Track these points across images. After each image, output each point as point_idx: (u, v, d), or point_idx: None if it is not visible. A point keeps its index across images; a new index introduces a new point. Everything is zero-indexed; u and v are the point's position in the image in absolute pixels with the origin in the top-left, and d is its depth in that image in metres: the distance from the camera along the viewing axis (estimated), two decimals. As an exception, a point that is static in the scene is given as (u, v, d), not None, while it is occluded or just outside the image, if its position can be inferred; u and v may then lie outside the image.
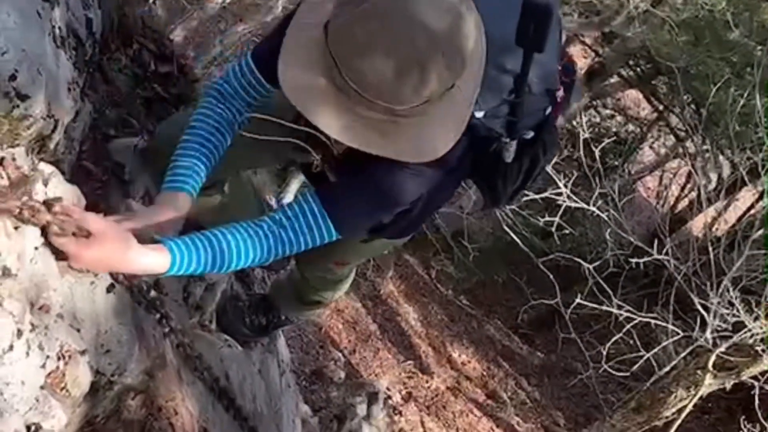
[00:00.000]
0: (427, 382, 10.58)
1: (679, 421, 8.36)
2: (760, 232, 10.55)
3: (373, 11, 1.69)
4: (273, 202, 5.51)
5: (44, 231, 1.72)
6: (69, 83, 2.23)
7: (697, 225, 13.17)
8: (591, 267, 8.71)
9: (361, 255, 3.12)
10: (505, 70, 2.00)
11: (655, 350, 8.87)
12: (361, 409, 7.61)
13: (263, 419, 3.44)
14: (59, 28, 2.10)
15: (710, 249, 8.59)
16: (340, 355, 8.80)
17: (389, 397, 9.18)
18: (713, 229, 12.58)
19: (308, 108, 1.78)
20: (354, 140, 1.79)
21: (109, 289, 2.04)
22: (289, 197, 8.35)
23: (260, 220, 2.01)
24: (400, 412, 9.32)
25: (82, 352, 1.87)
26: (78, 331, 1.90)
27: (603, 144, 10.33)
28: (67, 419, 1.85)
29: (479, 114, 1.98)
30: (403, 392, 9.98)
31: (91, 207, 1.93)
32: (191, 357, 2.58)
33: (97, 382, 1.98)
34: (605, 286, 8.61)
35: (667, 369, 9.21)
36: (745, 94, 8.77)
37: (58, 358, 1.77)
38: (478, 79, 1.87)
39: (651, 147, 16.21)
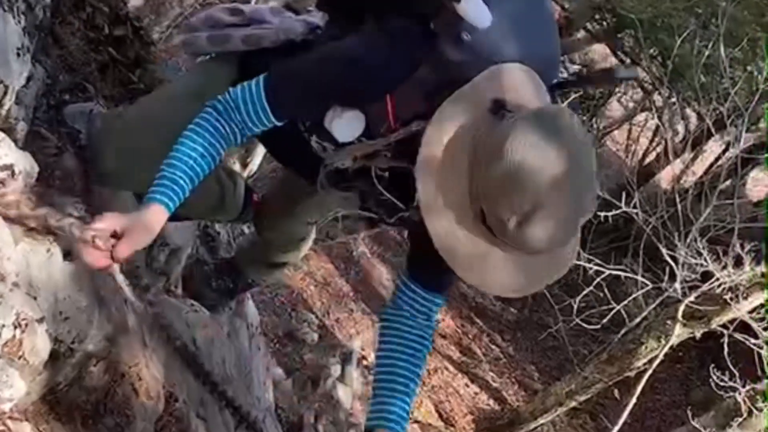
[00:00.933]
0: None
1: (650, 371, 8.46)
2: (728, 182, 10.65)
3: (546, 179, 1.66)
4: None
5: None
6: (18, 48, 2.19)
7: (665, 177, 13.28)
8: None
9: (320, 211, 3.12)
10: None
11: (625, 302, 8.95)
12: (335, 370, 7.65)
13: (233, 383, 3.43)
14: (6, -8, 2.06)
15: (678, 200, 8.67)
16: (312, 317, 8.80)
17: (364, 357, 9.21)
18: (681, 180, 12.68)
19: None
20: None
21: (66, 256, 2.02)
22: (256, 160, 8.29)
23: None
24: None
25: (40, 320, 1.86)
26: (35, 299, 1.88)
27: (570, 99, 10.33)
28: (26, 388, 1.83)
29: None
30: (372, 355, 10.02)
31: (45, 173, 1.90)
32: (160, 324, 2.58)
33: (57, 350, 1.96)
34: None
35: (637, 320, 9.31)
36: (710, 46, 8.80)
37: (15, 327, 1.75)
38: None
39: (619, 101, 16.22)
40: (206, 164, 1.98)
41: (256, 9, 2.53)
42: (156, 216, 1.87)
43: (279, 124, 2.04)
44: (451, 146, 1.77)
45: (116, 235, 1.80)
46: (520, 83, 1.85)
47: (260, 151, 8.33)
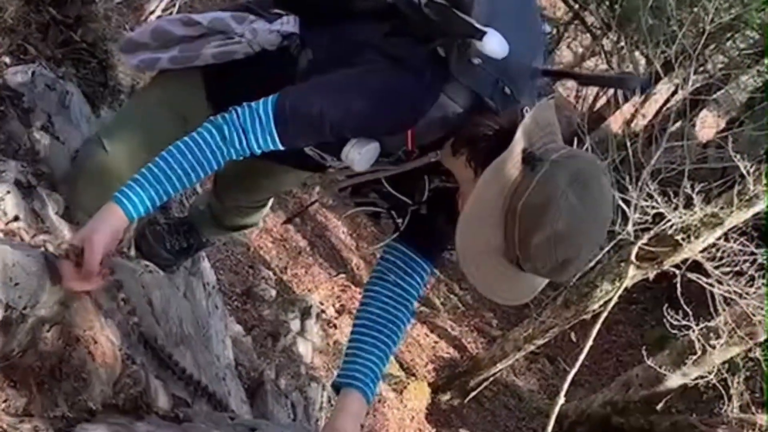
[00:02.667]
0: (360, 294, 10.64)
1: (605, 314, 8.59)
2: (678, 124, 10.75)
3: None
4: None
5: None
6: (-48, 11, 2.14)
7: (615, 122, 13.38)
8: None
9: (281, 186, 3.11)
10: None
11: (580, 247, 9.05)
12: (295, 325, 7.67)
13: (191, 342, 3.42)
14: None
15: (629, 144, 8.74)
16: (270, 273, 8.78)
17: (323, 311, 9.24)
18: (631, 124, 12.79)
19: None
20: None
21: (14, 221, 1.99)
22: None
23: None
24: (335, 325, 9.40)
25: (-11, 287, 1.83)
26: (-18, 266, 1.85)
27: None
28: (-21, 356, 1.81)
29: None
30: (337, 305, 10.04)
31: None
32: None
33: (9, 316, 1.93)
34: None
35: (591, 264, 9.44)
36: (657, -12, 8.84)
37: (-36, 295, 1.73)
38: None
39: (568, 47, 16.27)
40: (188, 182, 1.99)
41: (215, 17, 2.32)
42: (112, 217, 1.94)
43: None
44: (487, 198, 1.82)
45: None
46: (542, 124, 1.87)
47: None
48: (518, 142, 1.80)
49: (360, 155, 2.03)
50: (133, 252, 3.36)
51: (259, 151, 2.03)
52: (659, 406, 10.53)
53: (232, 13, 2.32)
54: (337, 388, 2.23)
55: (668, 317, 8.87)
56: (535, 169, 1.78)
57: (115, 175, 2.29)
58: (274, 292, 7.88)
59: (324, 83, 2.07)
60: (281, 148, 2.02)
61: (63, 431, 1.94)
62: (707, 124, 16.75)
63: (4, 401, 1.88)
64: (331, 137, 2.05)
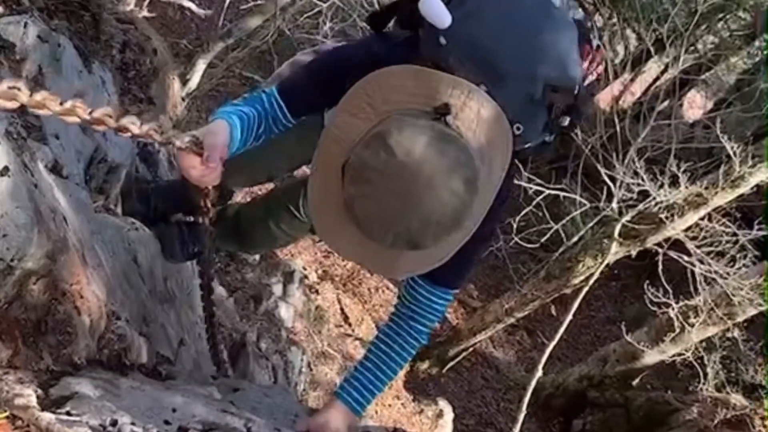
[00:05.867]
0: (342, 260, 10.66)
1: (586, 289, 8.64)
2: (666, 103, 10.77)
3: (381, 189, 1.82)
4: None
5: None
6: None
7: (604, 98, 13.35)
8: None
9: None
10: (534, 101, 2.10)
11: (564, 221, 9.10)
12: (277, 289, 7.66)
13: (175, 301, 3.43)
14: None
15: (617, 121, 8.75)
16: (254, 236, 8.77)
17: (305, 277, 9.23)
18: (620, 101, 12.77)
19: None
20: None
21: (3, 172, 1.97)
22: (195, 78, 8.16)
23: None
24: (317, 291, 9.40)
25: (-23, 238, 1.82)
26: (-29, 216, 1.84)
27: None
28: (-36, 306, 1.81)
29: (527, 145, 2.15)
30: (319, 271, 10.04)
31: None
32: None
33: (-5, 267, 1.93)
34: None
35: (575, 239, 9.48)
36: (651, -35, 8.81)
37: (-49, 244, 1.72)
38: (486, 204, 2.00)
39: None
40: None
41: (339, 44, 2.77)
42: (219, 125, 2.07)
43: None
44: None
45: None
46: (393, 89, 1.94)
47: (200, 68, 8.20)
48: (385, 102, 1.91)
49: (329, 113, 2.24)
50: (119, 209, 3.35)
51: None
52: (635, 382, 10.64)
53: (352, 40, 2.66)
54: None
55: (648, 294, 8.93)
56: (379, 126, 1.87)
57: None
58: (258, 256, 7.85)
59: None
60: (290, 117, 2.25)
61: (47, 384, 1.93)
62: (696, 104, 16.77)
63: (-11, 352, 1.88)
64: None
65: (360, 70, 1.99)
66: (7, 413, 1.60)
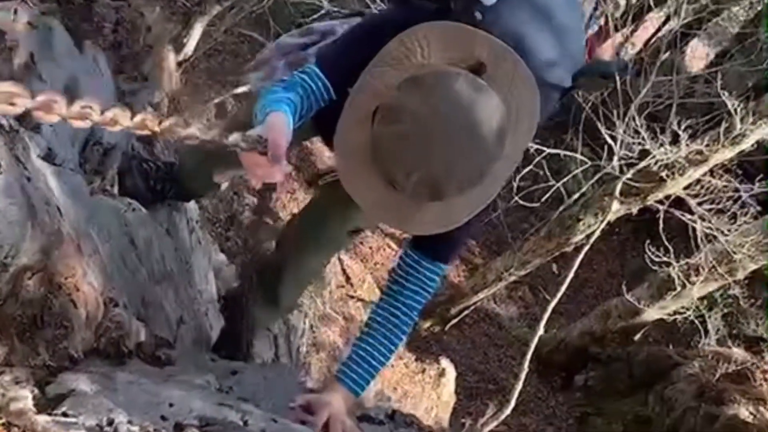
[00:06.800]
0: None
1: (587, 247, 8.64)
2: (666, 54, 10.67)
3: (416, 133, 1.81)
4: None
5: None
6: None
7: (604, 52, 13.22)
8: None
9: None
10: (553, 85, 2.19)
11: (565, 179, 9.08)
12: (278, 252, 7.66)
13: (174, 279, 3.43)
14: None
15: (617, 76, 8.66)
16: (254, 199, 8.75)
17: (306, 238, 9.21)
18: (621, 55, 12.66)
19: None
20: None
21: (-7, 169, 1.96)
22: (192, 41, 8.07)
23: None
24: (318, 252, 9.41)
25: (-30, 238, 1.81)
26: (-37, 216, 1.83)
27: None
28: (-40, 307, 1.81)
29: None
30: (319, 231, 10.04)
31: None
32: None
33: (-12, 266, 1.93)
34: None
35: (575, 197, 9.47)
36: None
37: (-57, 247, 1.71)
38: (513, 156, 2.00)
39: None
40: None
41: (327, 24, 2.69)
42: (278, 118, 2.00)
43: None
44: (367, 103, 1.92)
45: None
46: (431, 42, 1.93)
47: (197, 31, 8.12)
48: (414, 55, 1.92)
49: None
50: (116, 189, 3.34)
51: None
52: (636, 337, 10.70)
53: (340, 21, 2.66)
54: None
55: (649, 254, 8.95)
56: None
57: None
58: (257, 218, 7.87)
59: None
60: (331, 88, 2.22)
61: (44, 381, 1.94)
62: (697, 55, 16.63)
63: (-15, 351, 1.88)
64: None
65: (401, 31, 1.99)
66: (2, 420, 1.61)
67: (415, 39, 1.92)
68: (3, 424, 1.60)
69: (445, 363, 9.31)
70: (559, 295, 8.78)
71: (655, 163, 8.04)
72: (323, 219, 3.17)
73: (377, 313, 2.43)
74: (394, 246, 11.28)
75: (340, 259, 9.76)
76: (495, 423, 9.18)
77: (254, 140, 1.89)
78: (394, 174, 1.87)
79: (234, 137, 1.87)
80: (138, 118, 1.51)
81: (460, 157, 1.83)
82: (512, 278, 10.33)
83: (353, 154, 1.94)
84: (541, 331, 8.82)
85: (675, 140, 7.97)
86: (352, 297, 9.16)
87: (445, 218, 2.00)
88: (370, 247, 10.82)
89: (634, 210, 8.84)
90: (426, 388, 8.83)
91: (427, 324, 10.71)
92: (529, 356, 8.88)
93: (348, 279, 9.62)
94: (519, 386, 8.96)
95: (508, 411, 9.02)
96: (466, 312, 10.88)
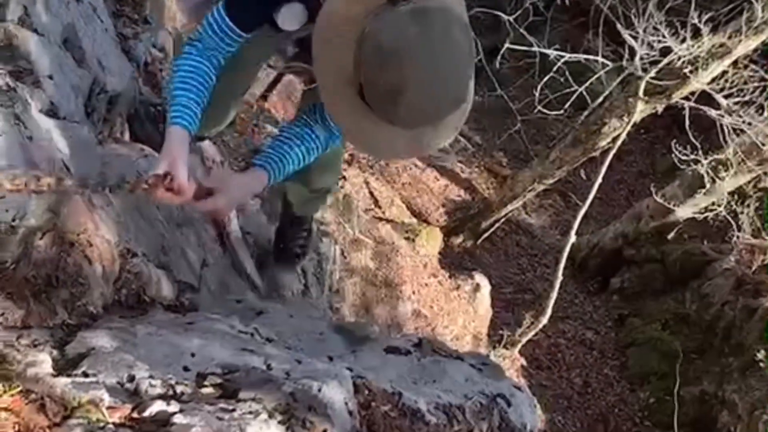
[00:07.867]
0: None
1: (614, 150, 8.54)
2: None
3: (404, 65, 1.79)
4: None
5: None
6: None
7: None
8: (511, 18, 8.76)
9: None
10: None
11: (587, 83, 8.94)
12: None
13: (194, 222, 3.41)
14: None
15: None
16: (275, 130, 8.67)
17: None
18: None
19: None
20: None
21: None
22: None
23: None
24: (344, 177, 9.37)
25: (-27, 205, 1.80)
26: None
27: None
28: (-31, 272, 1.80)
29: None
30: (346, 156, 10.00)
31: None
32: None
33: (-3, 229, 1.92)
34: (525, 34, 8.69)
35: (599, 100, 9.33)
36: None
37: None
38: None
39: None
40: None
41: None
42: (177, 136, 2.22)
43: (247, 36, 2.31)
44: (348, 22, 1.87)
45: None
46: None
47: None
48: None
49: (286, 13, 2.22)
50: (126, 136, 3.32)
51: (232, 48, 2.36)
52: (670, 236, 10.62)
53: None
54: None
55: (676, 153, 8.83)
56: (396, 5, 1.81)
57: None
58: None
59: None
60: (242, 33, 2.30)
61: (63, 341, 1.94)
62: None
63: (1, 314, 1.88)
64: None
65: None
66: (19, 388, 1.61)
67: None
68: (21, 392, 1.60)
69: (478, 277, 9.32)
70: (589, 200, 8.73)
71: (678, 59, 7.86)
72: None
73: (296, 125, 2.52)
74: (420, 164, 11.24)
75: (366, 182, 9.73)
76: (533, 332, 9.25)
77: (153, 181, 2.07)
78: (371, 95, 1.85)
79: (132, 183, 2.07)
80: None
81: (447, 79, 1.84)
82: (541, 187, 10.25)
83: (335, 76, 1.91)
84: (573, 238, 8.80)
85: (696, 34, 7.77)
86: (380, 219, 9.15)
87: (415, 147, 2.01)
88: (396, 168, 10.77)
89: (660, 109, 8.68)
90: (462, 304, 8.86)
91: (458, 240, 10.70)
92: (562, 263, 8.89)
93: (376, 202, 9.60)
94: (554, 294, 8.99)
95: (545, 320, 9.07)
96: (497, 225, 10.84)
